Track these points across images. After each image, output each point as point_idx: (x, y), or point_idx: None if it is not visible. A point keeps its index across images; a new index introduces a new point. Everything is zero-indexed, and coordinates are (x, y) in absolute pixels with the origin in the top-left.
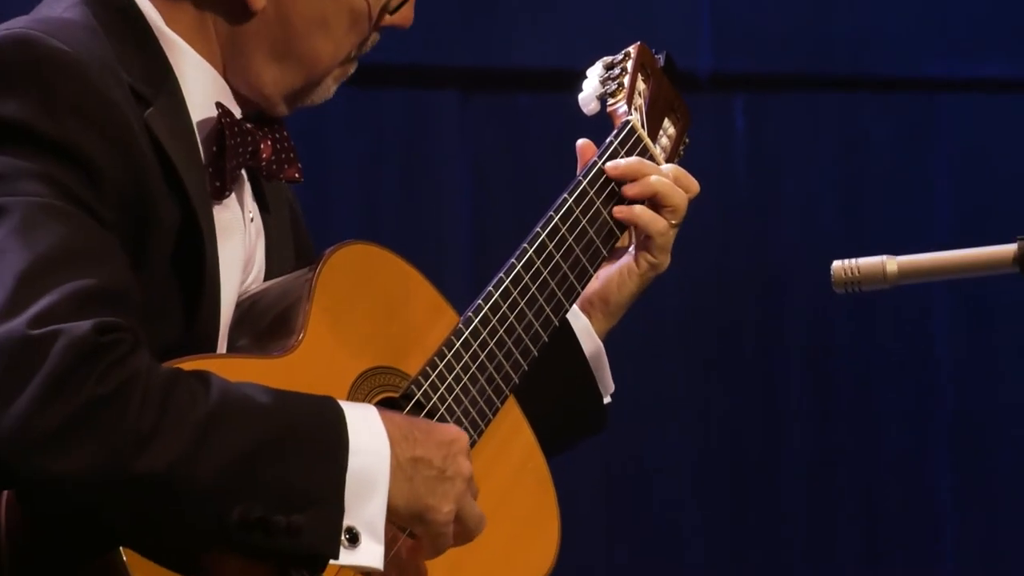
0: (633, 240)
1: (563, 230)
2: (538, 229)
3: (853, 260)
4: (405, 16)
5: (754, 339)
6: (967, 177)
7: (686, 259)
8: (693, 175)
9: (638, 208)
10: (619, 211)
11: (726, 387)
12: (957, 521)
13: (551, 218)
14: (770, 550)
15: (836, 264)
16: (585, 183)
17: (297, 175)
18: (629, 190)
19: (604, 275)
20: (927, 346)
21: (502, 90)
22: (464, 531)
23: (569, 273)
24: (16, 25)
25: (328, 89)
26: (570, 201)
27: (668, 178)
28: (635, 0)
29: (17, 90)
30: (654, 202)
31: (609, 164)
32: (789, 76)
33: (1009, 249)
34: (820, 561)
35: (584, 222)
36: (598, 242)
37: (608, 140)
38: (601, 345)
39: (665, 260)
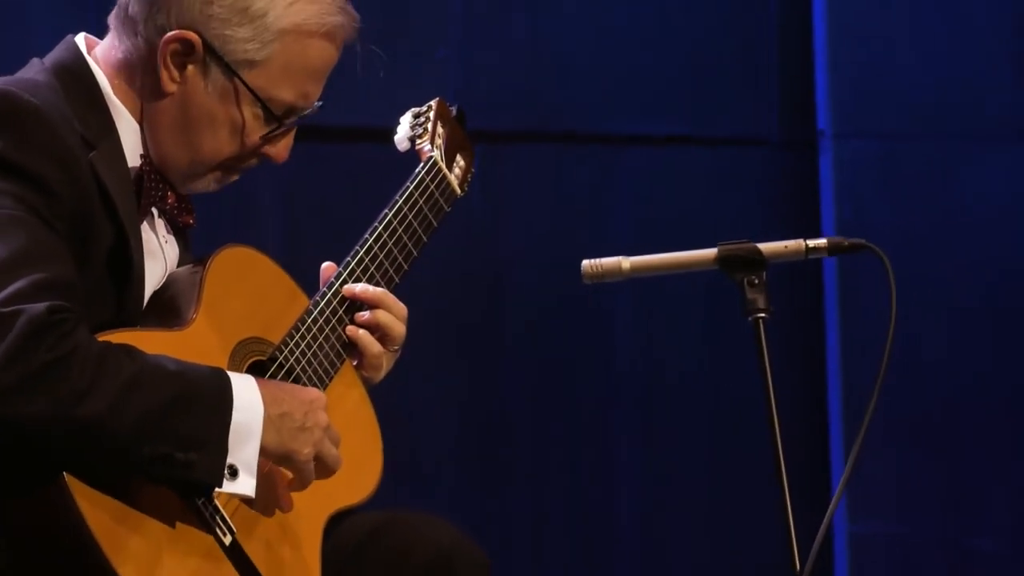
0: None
1: (375, 248)
2: (358, 247)
3: (599, 259)
4: (279, 152)
5: (483, 334)
6: (642, 214)
7: (436, 268)
8: None
9: (361, 332)
10: (349, 331)
11: (465, 374)
12: (636, 471)
13: (366, 240)
14: (502, 510)
15: (585, 262)
16: (391, 215)
17: (191, 221)
18: (360, 317)
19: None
20: (611, 337)
21: (314, 142)
22: (324, 468)
23: (382, 281)
24: (0, 81)
25: (209, 184)
26: (379, 228)
27: (392, 312)
28: (404, 74)
29: None
30: (379, 333)
31: (346, 288)
32: (512, 132)
33: (712, 252)
34: (537, 515)
35: (390, 244)
36: (401, 259)
37: (417, 170)
38: None
39: (377, 376)
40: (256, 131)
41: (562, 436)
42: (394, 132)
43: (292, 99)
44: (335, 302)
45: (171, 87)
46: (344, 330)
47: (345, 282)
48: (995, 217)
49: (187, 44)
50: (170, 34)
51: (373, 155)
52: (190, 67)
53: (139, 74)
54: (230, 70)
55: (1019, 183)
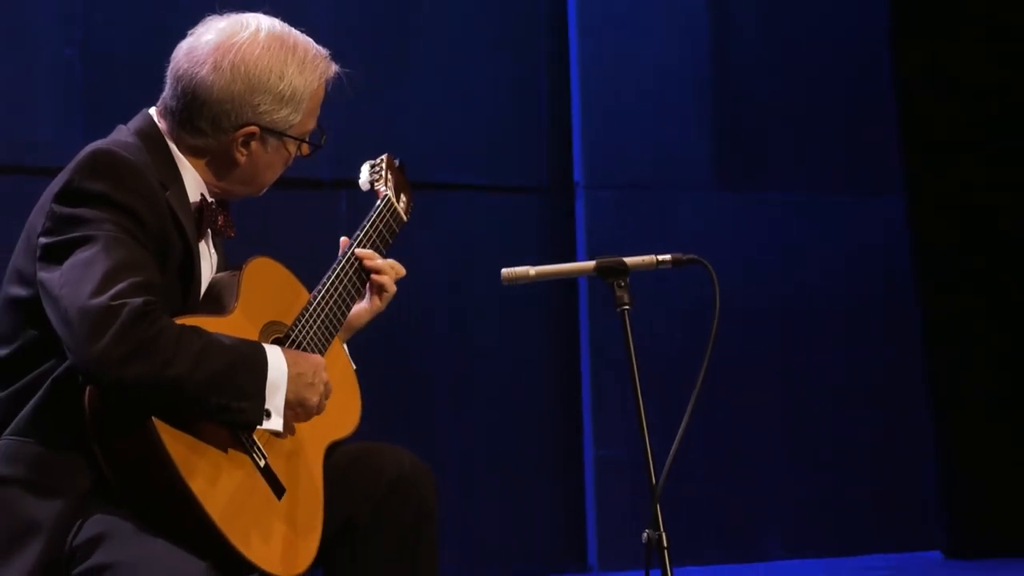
0: (371, 294)
1: (352, 259)
2: (341, 257)
3: (515, 267)
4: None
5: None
6: (455, 243)
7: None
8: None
9: (386, 279)
10: (374, 277)
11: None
12: (453, 417)
13: (346, 253)
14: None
15: (504, 270)
16: (362, 235)
17: (233, 233)
18: (377, 271)
19: (353, 309)
20: (431, 327)
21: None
22: (317, 413)
23: (356, 279)
24: (102, 143)
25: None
26: (354, 245)
27: (392, 267)
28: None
29: (103, 176)
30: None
31: (358, 251)
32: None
33: (592, 263)
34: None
35: (357, 265)
36: (363, 272)
37: (376, 204)
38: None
39: (384, 305)
40: (295, 153)
41: (398, 399)
42: (357, 178)
43: (314, 125)
44: (326, 297)
45: (241, 159)
46: (335, 315)
47: (334, 283)
48: (702, 247)
49: (250, 134)
50: (237, 133)
51: (292, 199)
52: (253, 144)
53: (210, 153)
54: (281, 134)
55: (715, 221)
